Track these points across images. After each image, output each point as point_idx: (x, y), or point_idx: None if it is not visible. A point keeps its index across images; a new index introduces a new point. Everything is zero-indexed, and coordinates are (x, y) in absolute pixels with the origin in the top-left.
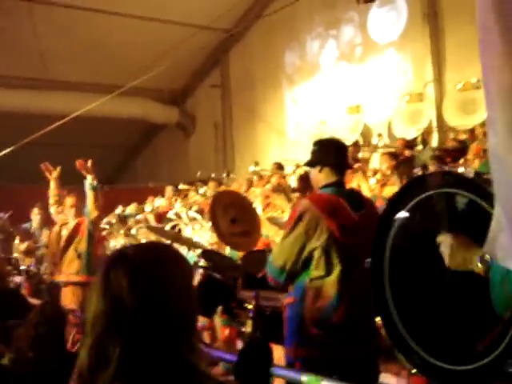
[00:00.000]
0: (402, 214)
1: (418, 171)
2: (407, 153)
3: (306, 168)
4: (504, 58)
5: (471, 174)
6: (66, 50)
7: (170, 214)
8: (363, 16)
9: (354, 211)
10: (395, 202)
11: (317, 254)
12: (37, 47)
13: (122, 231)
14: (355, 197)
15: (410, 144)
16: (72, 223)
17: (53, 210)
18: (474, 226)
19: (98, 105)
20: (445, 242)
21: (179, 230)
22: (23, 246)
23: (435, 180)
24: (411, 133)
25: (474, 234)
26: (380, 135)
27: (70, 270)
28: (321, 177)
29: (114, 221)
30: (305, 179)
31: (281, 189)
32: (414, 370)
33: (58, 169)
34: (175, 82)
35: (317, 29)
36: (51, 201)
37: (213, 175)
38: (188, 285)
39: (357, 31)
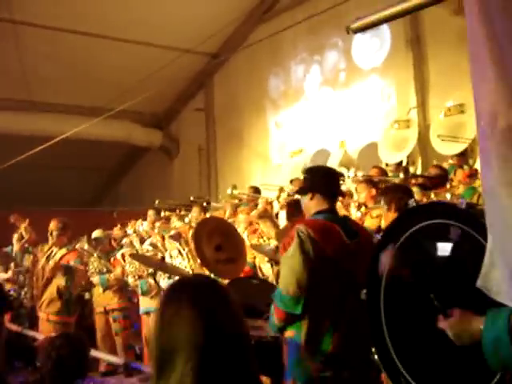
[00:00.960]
0: (397, 245)
1: (412, 202)
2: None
3: (290, 193)
4: (495, 82)
5: (464, 205)
6: (50, 72)
7: (146, 245)
8: (347, 42)
9: (349, 238)
10: (390, 233)
11: (313, 278)
12: (21, 69)
13: (95, 254)
14: (349, 224)
15: (385, 171)
16: (58, 256)
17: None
18: (468, 257)
19: (84, 128)
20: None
21: (163, 258)
22: (6, 276)
23: (429, 211)
24: (397, 158)
25: (468, 266)
26: (357, 168)
27: (50, 309)
28: (312, 204)
29: (86, 246)
30: (292, 206)
31: (267, 215)
32: None
33: (27, 220)
34: (159, 105)
35: (301, 54)
36: (15, 248)
37: (191, 198)
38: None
39: (340, 57)
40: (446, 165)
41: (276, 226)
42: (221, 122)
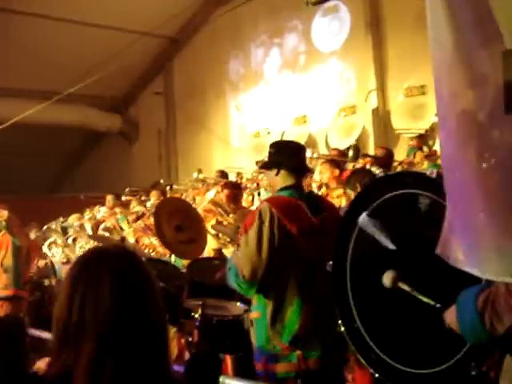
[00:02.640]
0: (364, 217)
1: (380, 172)
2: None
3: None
4: (454, 64)
5: (434, 175)
6: (4, 56)
7: (100, 230)
8: (307, 24)
9: (314, 215)
10: (357, 204)
11: (277, 258)
12: None
13: (59, 241)
14: (315, 200)
15: (344, 153)
16: None
17: None
18: (437, 226)
19: (37, 111)
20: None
21: (123, 239)
22: None
23: (397, 181)
24: (344, 143)
25: (437, 235)
26: (314, 147)
27: None
28: (278, 180)
29: (53, 226)
30: (234, 187)
31: (218, 203)
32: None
33: None
34: (118, 89)
35: (261, 36)
36: None
37: (150, 187)
38: (160, 296)
39: (300, 40)
40: (406, 147)
41: (227, 211)
42: (180, 105)
